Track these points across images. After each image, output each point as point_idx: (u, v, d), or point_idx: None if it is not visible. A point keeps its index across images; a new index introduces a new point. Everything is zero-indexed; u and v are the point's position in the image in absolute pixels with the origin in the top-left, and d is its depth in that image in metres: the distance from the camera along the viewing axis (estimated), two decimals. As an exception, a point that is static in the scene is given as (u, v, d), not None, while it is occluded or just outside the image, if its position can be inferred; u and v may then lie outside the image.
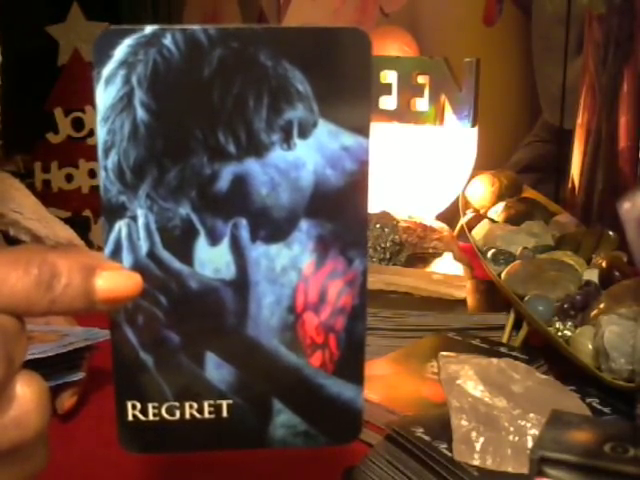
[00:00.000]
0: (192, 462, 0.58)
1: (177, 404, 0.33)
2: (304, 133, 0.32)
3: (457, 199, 1.14)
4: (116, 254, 0.31)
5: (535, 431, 0.49)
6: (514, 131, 1.46)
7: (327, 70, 0.31)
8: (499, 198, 1.09)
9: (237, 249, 0.32)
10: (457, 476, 0.49)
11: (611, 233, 0.89)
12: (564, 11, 1.34)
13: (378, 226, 0.97)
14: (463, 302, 0.85)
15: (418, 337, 0.76)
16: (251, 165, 0.32)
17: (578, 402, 0.56)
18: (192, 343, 0.33)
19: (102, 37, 0.30)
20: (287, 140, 0.32)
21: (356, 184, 0.32)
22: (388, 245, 0.96)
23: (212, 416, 0.33)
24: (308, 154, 0.32)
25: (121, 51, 0.30)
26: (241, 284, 0.32)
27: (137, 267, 0.31)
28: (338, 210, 0.32)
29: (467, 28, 1.46)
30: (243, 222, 0.32)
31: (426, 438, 0.52)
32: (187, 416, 0.33)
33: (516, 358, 0.66)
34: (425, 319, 0.79)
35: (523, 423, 0.50)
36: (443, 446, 0.51)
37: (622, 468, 0.36)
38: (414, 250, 1.00)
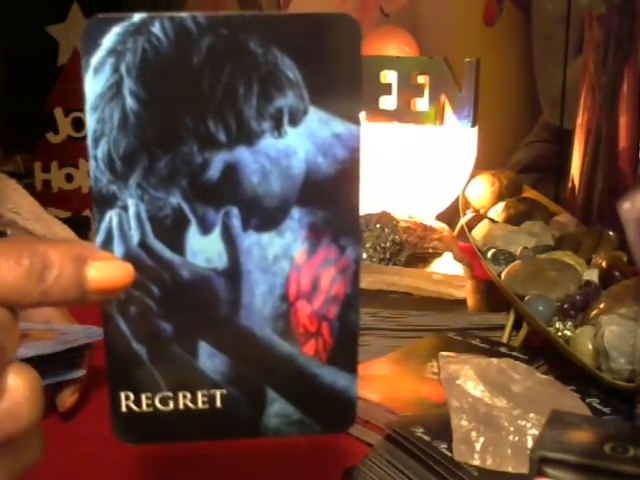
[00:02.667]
0: (191, 459, 0.58)
1: (171, 394, 0.33)
2: (295, 121, 0.32)
3: (457, 199, 1.14)
4: (107, 244, 0.31)
5: (535, 431, 0.49)
6: (514, 131, 1.46)
7: (317, 57, 0.31)
8: (499, 198, 1.09)
9: (229, 238, 0.32)
10: (457, 476, 0.49)
11: (611, 233, 0.89)
12: (564, 11, 1.34)
13: (378, 226, 0.97)
14: (463, 302, 0.85)
15: (418, 337, 0.76)
16: (242, 153, 0.31)
17: (578, 402, 0.56)
18: (185, 333, 0.33)
19: (90, 26, 0.30)
20: (278, 128, 0.31)
21: (348, 171, 0.32)
22: (388, 245, 0.96)
23: (206, 406, 0.33)
24: (299, 142, 0.32)
25: (109, 40, 0.30)
26: (233, 273, 0.32)
27: (128, 257, 0.31)
28: (330, 198, 0.32)
29: (467, 28, 1.46)
30: (234, 211, 0.32)
31: (426, 438, 0.52)
32: (181, 406, 0.33)
33: (516, 358, 0.66)
34: (425, 319, 0.79)
35: (523, 423, 0.50)
36: (443, 446, 0.51)
37: (622, 468, 0.36)
38: (414, 250, 1.00)
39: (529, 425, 0.50)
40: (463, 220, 1.06)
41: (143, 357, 0.32)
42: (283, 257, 0.32)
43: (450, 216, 1.16)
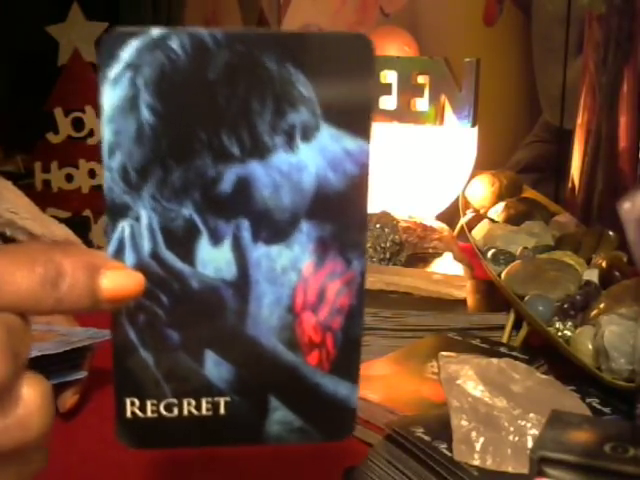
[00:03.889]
0: (193, 462, 0.58)
1: (175, 401, 0.33)
2: (307, 136, 0.32)
3: (457, 199, 1.14)
4: (119, 253, 0.32)
5: (535, 431, 0.49)
6: (514, 131, 1.46)
7: (331, 75, 0.32)
8: (499, 198, 1.09)
9: (239, 249, 0.32)
10: (457, 476, 0.49)
11: (611, 233, 0.89)
12: (564, 11, 1.34)
13: (378, 226, 0.97)
14: (463, 302, 0.85)
15: (418, 337, 0.76)
16: (254, 167, 0.32)
17: (578, 402, 0.56)
18: (192, 341, 0.33)
19: (108, 38, 0.30)
20: (290, 143, 0.32)
21: (357, 187, 0.33)
22: (388, 245, 0.96)
23: (209, 413, 0.33)
24: (310, 157, 0.32)
25: (127, 53, 0.30)
26: (242, 284, 0.33)
27: (139, 266, 0.32)
28: (339, 212, 0.33)
29: (467, 28, 1.46)
30: (245, 223, 0.32)
31: (426, 438, 0.52)
32: (185, 413, 0.33)
33: (516, 358, 0.66)
34: (425, 319, 0.79)
35: (523, 423, 0.50)
36: (443, 446, 0.51)
37: (622, 468, 0.36)
38: (414, 250, 1.00)
39: (529, 425, 0.50)
40: (463, 220, 1.06)
41: (150, 364, 0.33)
42: (291, 269, 0.33)
43: (450, 216, 1.16)
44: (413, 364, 0.70)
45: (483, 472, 0.49)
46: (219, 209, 0.32)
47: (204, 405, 0.33)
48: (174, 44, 0.30)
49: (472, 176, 1.15)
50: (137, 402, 0.33)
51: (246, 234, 0.32)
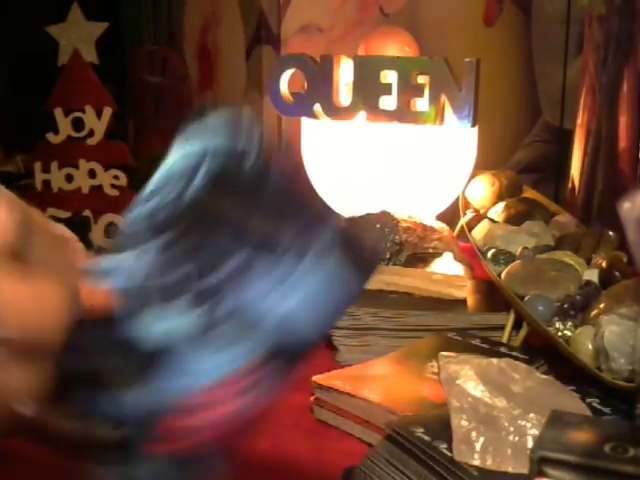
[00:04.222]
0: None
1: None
2: (320, 254, 0.34)
3: (457, 199, 1.14)
4: (106, 276, 0.33)
5: (535, 431, 0.49)
6: (514, 131, 1.46)
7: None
8: (499, 198, 1.09)
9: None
10: (457, 476, 0.49)
11: (611, 233, 0.89)
12: (564, 11, 1.34)
13: (378, 226, 0.97)
14: (463, 302, 0.85)
15: (418, 337, 0.76)
16: (259, 261, 0.33)
17: (578, 402, 0.56)
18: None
19: (195, 117, 0.34)
20: (302, 253, 0.33)
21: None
22: (388, 245, 0.96)
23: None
24: (309, 274, 0.34)
25: (205, 139, 0.34)
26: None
27: (121, 291, 0.33)
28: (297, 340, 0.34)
29: (467, 28, 1.46)
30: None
31: (426, 438, 0.52)
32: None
33: (516, 358, 0.66)
34: (425, 319, 0.79)
35: (523, 423, 0.50)
36: (443, 446, 0.51)
37: (622, 468, 0.36)
38: (414, 250, 1.00)
39: (529, 425, 0.50)
40: (463, 220, 1.06)
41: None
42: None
43: (450, 216, 1.16)
44: (413, 364, 0.70)
45: (483, 472, 0.49)
46: (207, 290, 0.33)
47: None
48: (251, 159, 0.34)
49: (472, 176, 1.15)
50: None
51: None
